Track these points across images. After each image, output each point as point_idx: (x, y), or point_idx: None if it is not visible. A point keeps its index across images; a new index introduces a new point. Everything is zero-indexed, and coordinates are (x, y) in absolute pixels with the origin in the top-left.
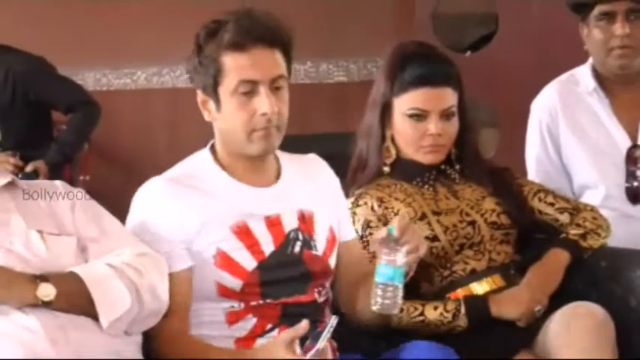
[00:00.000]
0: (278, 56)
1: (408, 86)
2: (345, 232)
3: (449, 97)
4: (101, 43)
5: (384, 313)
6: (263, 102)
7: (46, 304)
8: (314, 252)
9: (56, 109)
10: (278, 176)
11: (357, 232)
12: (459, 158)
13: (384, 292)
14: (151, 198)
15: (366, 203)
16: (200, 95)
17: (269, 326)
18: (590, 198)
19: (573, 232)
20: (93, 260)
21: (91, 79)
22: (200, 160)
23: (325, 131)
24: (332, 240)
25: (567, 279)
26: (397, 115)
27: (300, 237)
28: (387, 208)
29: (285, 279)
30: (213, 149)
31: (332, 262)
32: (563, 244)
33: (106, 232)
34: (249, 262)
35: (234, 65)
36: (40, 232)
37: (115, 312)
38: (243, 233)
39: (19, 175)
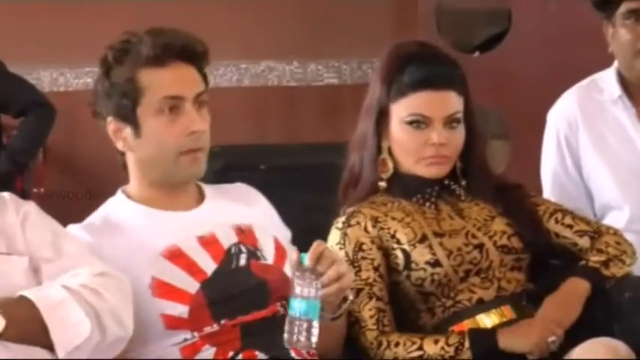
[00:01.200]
0: (195, 70)
1: (407, 90)
2: None
3: (453, 101)
4: (58, 38)
5: (298, 349)
6: (191, 119)
7: None
8: (263, 262)
9: (5, 112)
10: (202, 200)
11: (347, 255)
12: (465, 172)
13: (298, 327)
14: None
15: (358, 223)
16: (112, 124)
17: (231, 353)
18: (613, 219)
19: (594, 258)
20: (47, 282)
21: (46, 79)
22: (113, 204)
23: (312, 141)
24: (280, 249)
25: (587, 311)
26: (395, 122)
27: (244, 249)
28: (382, 228)
29: (236, 295)
30: (125, 192)
31: (287, 271)
32: (583, 272)
33: (61, 251)
34: (190, 285)
35: (155, 81)
36: None
37: (73, 341)
38: (177, 257)
39: None
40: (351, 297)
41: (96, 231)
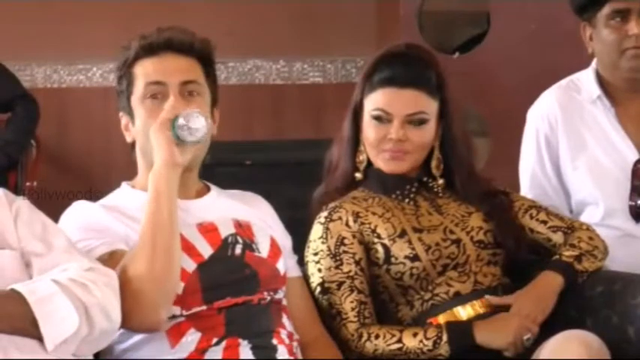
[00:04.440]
0: (192, 63)
1: (376, 86)
2: (289, 268)
3: (418, 101)
4: (52, 34)
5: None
6: (167, 102)
7: None
8: (257, 254)
9: None
10: (206, 194)
11: (329, 249)
12: (449, 175)
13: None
14: (79, 211)
15: (340, 218)
16: (122, 118)
17: (215, 340)
18: (590, 215)
19: (567, 253)
20: (37, 276)
21: (40, 75)
22: (118, 192)
23: (297, 137)
24: (275, 247)
25: (560, 305)
26: (365, 116)
27: (240, 240)
28: (363, 223)
29: (228, 282)
30: (129, 184)
31: (280, 267)
32: (557, 266)
33: (51, 247)
34: (187, 264)
35: (142, 70)
36: None
37: (62, 334)
38: None
39: None
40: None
41: (109, 209)
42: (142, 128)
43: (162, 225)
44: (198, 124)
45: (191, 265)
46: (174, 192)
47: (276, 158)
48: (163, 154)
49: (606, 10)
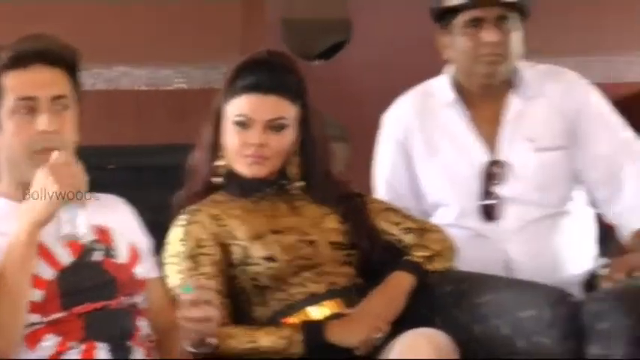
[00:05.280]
0: (61, 76)
1: (238, 92)
2: (149, 270)
3: (279, 107)
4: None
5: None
6: (41, 119)
7: None
8: (115, 260)
9: None
10: None
11: (187, 251)
12: (307, 178)
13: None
14: None
15: (198, 221)
16: None
17: (73, 343)
18: (442, 216)
19: (418, 253)
20: None
21: None
22: None
23: (162, 142)
24: (134, 252)
25: (411, 303)
26: (227, 122)
27: (100, 247)
28: (221, 225)
29: (87, 288)
30: None
31: (138, 272)
32: (407, 266)
33: None
34: (46, 272)
35: (13, 83)
36: None
37: None
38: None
39: None
40: (214, 342)
41: None
42: (10, 143)
43: (12, 273)
44: (84, 231)
45: (50, 273)
46: (34, 244)
47: (140, 163)
48: (40, 214)
49: (462, 18)
